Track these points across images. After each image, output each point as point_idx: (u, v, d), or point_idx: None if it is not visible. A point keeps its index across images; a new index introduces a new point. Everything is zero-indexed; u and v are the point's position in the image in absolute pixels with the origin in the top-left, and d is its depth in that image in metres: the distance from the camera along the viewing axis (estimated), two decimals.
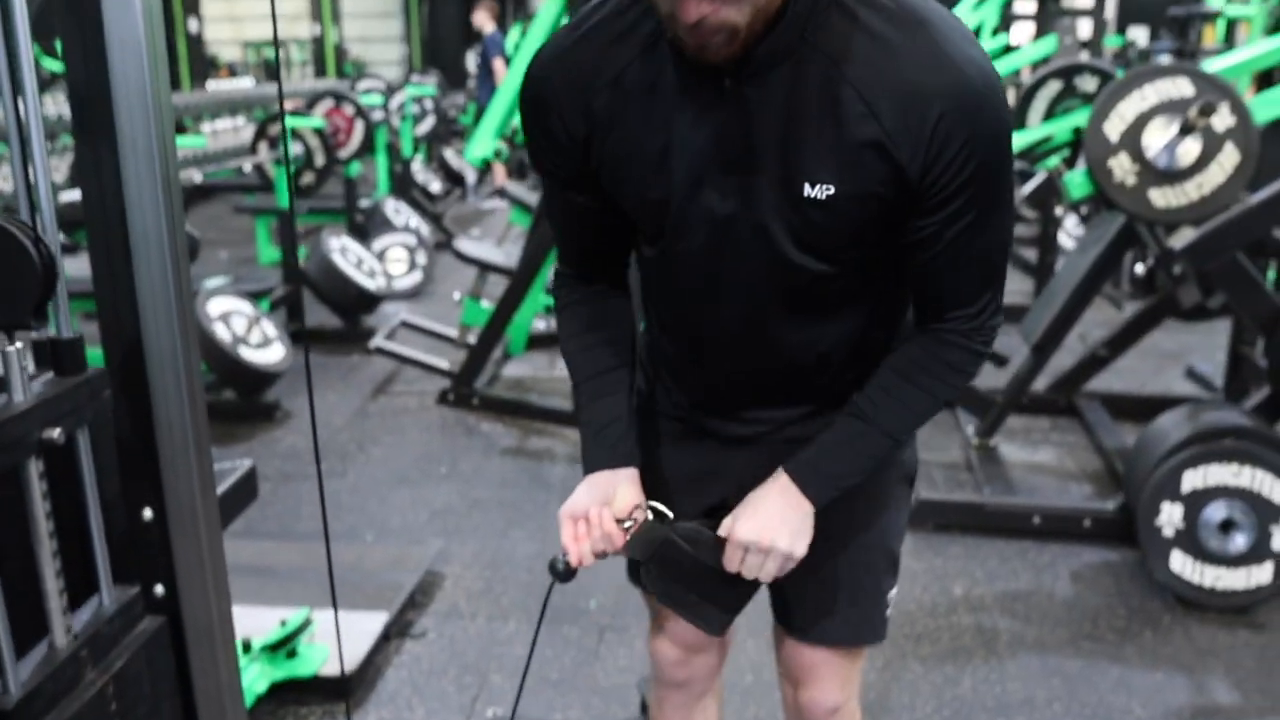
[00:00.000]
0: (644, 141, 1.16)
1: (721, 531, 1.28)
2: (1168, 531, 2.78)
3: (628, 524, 1.30)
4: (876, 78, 1.05)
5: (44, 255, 1.12)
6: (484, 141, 4.01)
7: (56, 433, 1.10)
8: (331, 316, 5.35)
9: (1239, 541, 2.75)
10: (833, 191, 1.10)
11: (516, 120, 4.21)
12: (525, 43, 4.41)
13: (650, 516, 1.31)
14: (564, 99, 1.19)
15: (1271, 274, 3.72)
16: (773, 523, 1.24)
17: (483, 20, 9.51)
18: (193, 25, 14.62)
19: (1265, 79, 3.89)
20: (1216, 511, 2.75)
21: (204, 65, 15.07)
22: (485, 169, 4.20)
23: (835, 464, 1.26)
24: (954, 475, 3.66)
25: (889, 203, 1.11)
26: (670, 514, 1.32)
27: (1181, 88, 2.80)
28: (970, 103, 1.05)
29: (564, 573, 1.31)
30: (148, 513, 1.24)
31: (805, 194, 1.11)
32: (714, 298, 1.25)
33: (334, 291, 5.20)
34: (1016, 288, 5.84)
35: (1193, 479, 2.75)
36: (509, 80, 4.10)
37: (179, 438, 1.22)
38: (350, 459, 3.84)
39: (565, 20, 3.57)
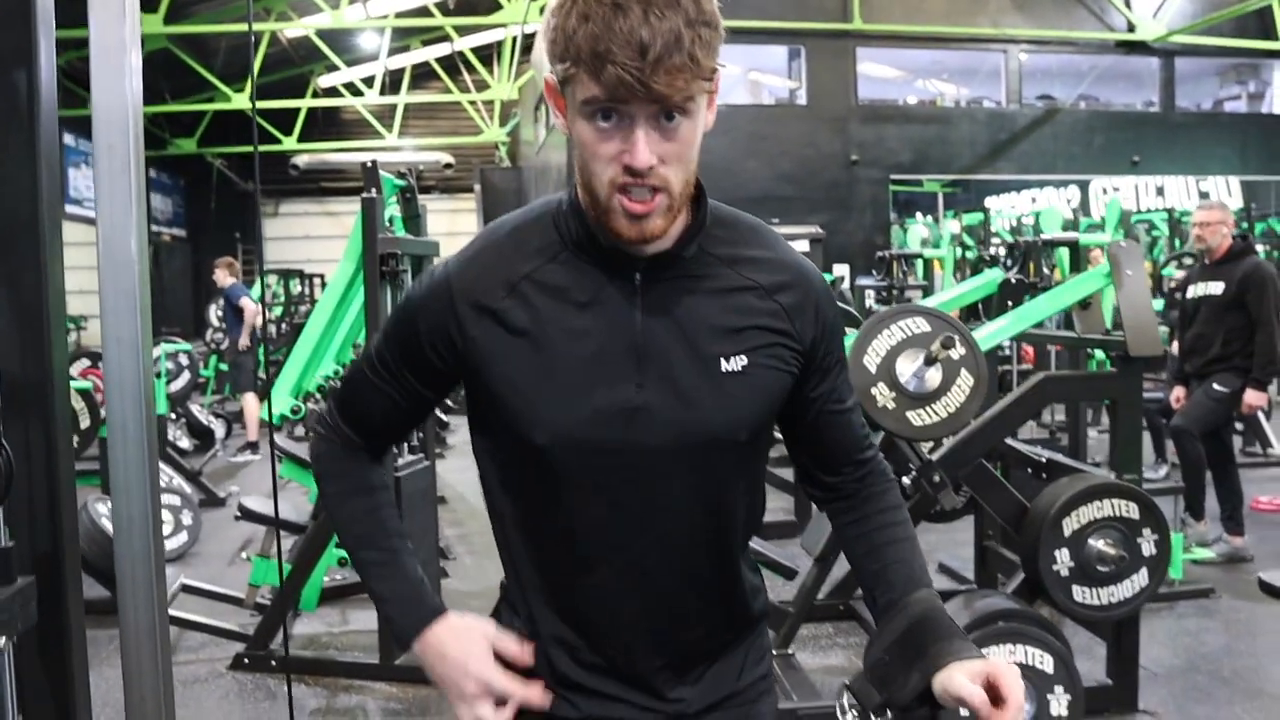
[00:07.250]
0: (557, 339, 1.21)
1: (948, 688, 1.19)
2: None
3: None
4: (764, 271, 1.26)
5: (7, 459, 1.27)
6: (281, 398, 4.07)
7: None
8: (94, 586, 5.03)
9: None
10: (745, 363, 1.23)
11: (307, 379, 4.30)
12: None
13: None
14: (459, 302, 1.23)
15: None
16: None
17: (222, 277, 9.67)
18: None
19: (972, 310, 4.62)
20: None
21: None
22: (281, 423, 4.22)
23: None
24: None
25: (791, 367, 1.28)
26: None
27: (920, 325, 3.32)
28: (823, 283, 1.31)
29: None
30: None
31: (722, 369, 1.23)
32: (634, 499, 1.24)
33: (103, 560, 4.91)
34: (788, 505, 6.33)
35: None
36: (306, 333, 4.21)
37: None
38: None
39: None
